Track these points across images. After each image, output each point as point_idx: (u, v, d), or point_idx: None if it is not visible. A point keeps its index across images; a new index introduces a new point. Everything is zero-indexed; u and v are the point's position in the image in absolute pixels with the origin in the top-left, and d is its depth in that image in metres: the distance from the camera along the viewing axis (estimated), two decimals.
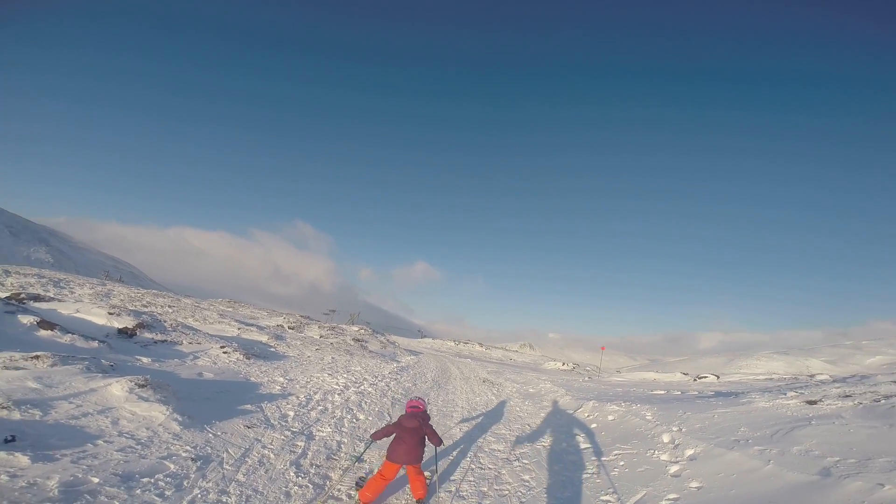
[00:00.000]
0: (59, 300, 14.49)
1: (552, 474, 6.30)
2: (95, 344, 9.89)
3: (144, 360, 9.73)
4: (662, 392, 15.18)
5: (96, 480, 4.02)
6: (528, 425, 9.42)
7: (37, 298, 13.55)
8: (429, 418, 5.28)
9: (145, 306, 18.53)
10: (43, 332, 9.51)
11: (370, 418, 8.27)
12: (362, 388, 10.91)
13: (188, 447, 5.30)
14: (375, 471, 5.21)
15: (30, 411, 5.05)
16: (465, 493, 5.38)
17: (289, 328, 24.00)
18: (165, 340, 12.37)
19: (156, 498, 4.05)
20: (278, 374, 11.00)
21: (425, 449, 5.11)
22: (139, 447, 4.97)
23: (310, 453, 5.97)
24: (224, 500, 4.31)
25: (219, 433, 6.01)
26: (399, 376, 14.33)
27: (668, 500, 5.02)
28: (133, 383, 6.46)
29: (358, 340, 25.13)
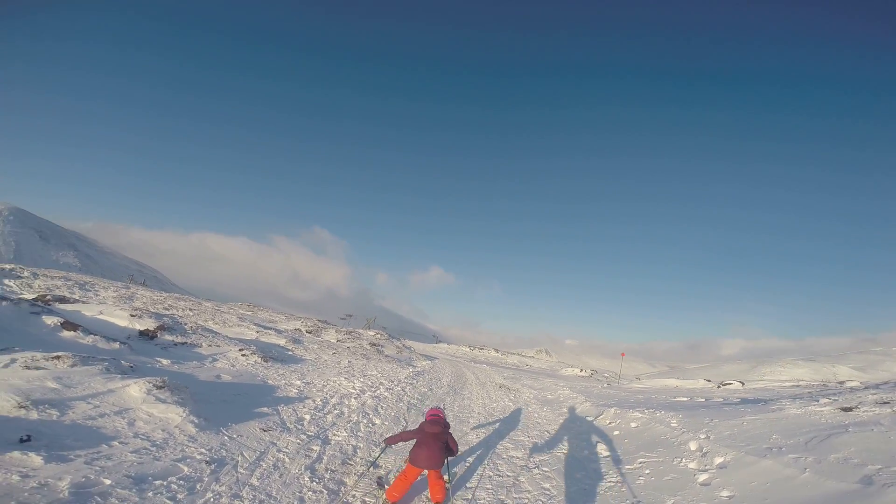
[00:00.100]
0: (84, 302, 14.81)
1: (574, 482, 6.08)
2: (116, 345, 10.01)
3: (164, 361, 9.81)
4: (685, 399, 14.70)
5: (108, 482, 3.98)
6: (547, 432, 9.17)
7: (62, 300, 13.87)
8: (449, 426, 5.34)
9: (167, 309, 18.83)
10: (66, 333, 9.67)
11: (386, 423, 8.15)
12: (378, 392, 10.81)
13: (203, 449, 5.26)
14: (392, 475, 5.34)
15: (47, 411, 5.07)
16: (481, 501, 5.21)
17: (306, 332, 24.13)
18: (185, 343, 12.49)
19: (167, 501, 3.98)
20: (295, 378, 10.98)
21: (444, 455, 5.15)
22: (154, 449, 4.94)
23: (325, 458, 5.87)
24: None
25: (234, 436, 5.96)
26: (415, 381, 14.20)
27: None
28: (151, 385, 6.48)
29: (374, 345, 25.13)
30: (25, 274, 19.50)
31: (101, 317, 12.63)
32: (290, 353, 15.65)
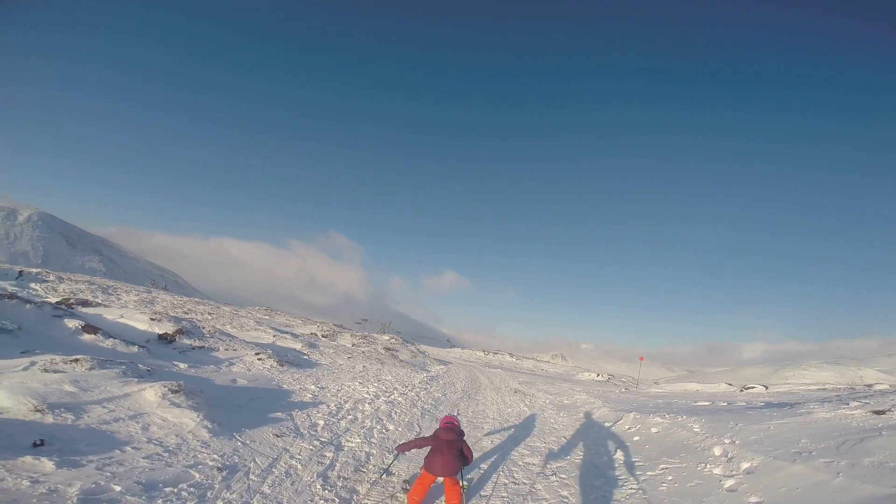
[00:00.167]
0: (106, 306, 15.09)
1: (592, 490, 5.88)
2: (135, 349, 10.14)
3: (181, 365, 9.89)
4: (707, 403, 14.29)
5: (118, 489, 3.96)
6: (564, 437, 8.96)
7: (85, 304, 14.16)
8: (463, 434, 5.28)
9: (186, 313, 19.12)
10: (86, 336, 9.83)
11: (400, 429, 8.05)
12: (392, 397, 10.73)
13: (215, 455, 5.22)
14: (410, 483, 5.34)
15: (63, 415, 5.10)
16: None
17: (322, 336, 24.26)
18: (203, 346, 12.61)
19: None
20: (310, 382, 10.97)
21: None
22: (166, 455, 4.93)
23: (338, 465, 5.79)
24: None
25: (247, 441, 5.93)
26: (429, 386, 14.09)
27: None
28: (167, 389, 6.50)
29: (389, 349, 25.12)
30: (51, 278, 20.00)
31: (121, 320, 12.83)
32: (305, 357, 15.71)
